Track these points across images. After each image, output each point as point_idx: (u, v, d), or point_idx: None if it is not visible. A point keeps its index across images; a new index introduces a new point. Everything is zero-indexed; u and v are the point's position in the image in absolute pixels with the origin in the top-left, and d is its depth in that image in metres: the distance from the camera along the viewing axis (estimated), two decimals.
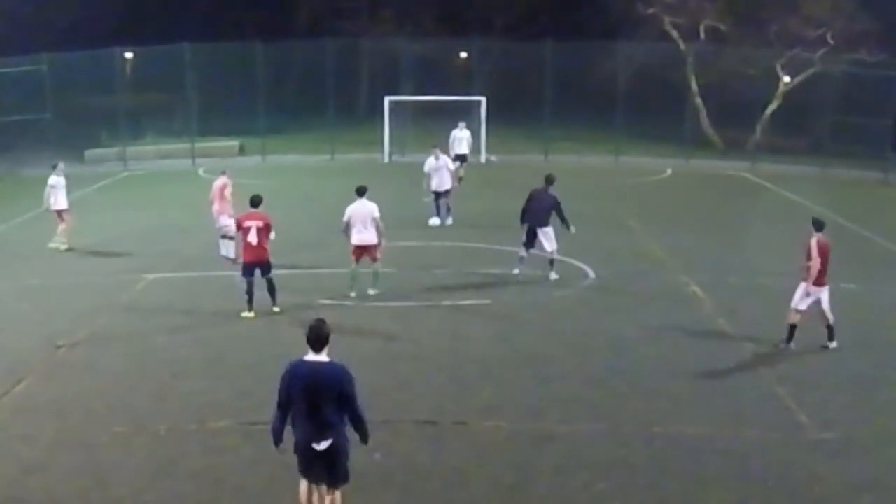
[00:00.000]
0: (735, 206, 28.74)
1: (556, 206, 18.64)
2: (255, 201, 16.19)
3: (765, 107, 40.34)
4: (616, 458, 10.90)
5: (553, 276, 18.72)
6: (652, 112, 38.30)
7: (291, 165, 37.14)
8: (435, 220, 23.58)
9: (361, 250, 16.75)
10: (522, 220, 18.73)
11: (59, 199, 21.76)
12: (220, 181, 20.91)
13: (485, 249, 21.35)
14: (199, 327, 15.68)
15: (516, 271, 18.80)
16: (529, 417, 12.03)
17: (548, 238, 18.68)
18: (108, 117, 38.19)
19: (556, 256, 18.76)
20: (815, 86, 38.86)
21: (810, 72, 39.36)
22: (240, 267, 16.48)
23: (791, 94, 40.22)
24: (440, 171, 23.75)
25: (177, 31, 37.93)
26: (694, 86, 41.78)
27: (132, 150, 37.76)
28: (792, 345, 14.64)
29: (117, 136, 38.11)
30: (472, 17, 47.24)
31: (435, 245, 21.64)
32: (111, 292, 17.65)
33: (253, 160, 37.88)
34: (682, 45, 41.95)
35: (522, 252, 18.79)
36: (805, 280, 14.59)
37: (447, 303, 17.07)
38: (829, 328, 14.68)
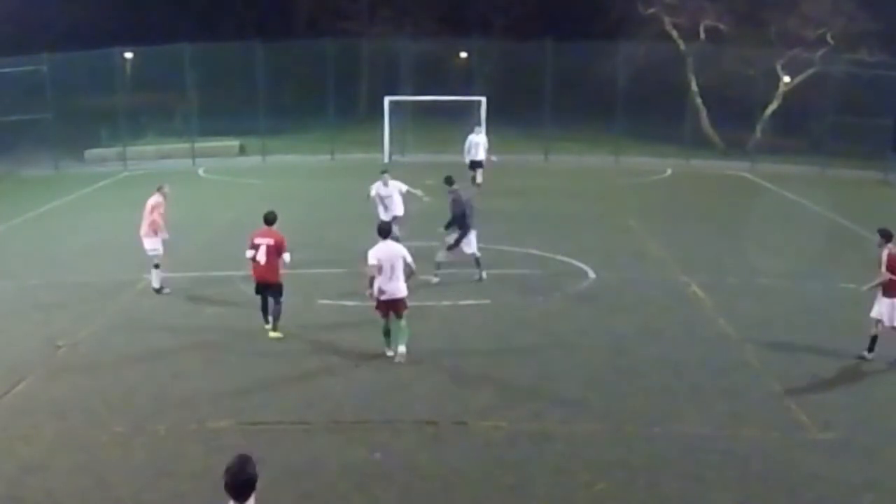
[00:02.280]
0: (735, 206, 28.73)
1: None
2: (270, 219, 14.99)
3: (765, 107, 40.33)
4: (616, 458, 10.90)
5: (484, 275, 18.40)
6: (652, 112, 38.27)
7: (291, 165, 37.15)
8: None
9: (388, 306, 13.79)
10: (469, 227, 18.08)
11: None
12: (153, 199, 17.66)
13: (485, 249, 21.33)
14: (199, 327, 15.68)
15: (435, 280, 18.12)
16: (529, 417, 12.03)
17: (474, 240, 18.26)
18: (108, 117, 38.19)
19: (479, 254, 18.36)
20: (815, 86, 38.86)
21: (810, 72, 39.34)
22: (162, 294, 17.03)
23: (791, 94, 40.20)
24: (389, 198, 20.39)
25: (177, 31, 37.97)
26: (694, 86, 41.77)
27: (132, 150, 37.77)
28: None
29: (117, 136, 38.11)
30: (472, 17, 47.25)
31: (435, 245, 21.62)
32: (111, 292, 17.64)
33: (253, 160, 37.91)
34: (682, 45, 41.94)
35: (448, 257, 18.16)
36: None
37: (447, 303, 17.07)
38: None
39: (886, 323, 14.22)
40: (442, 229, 18.35)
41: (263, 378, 13.24)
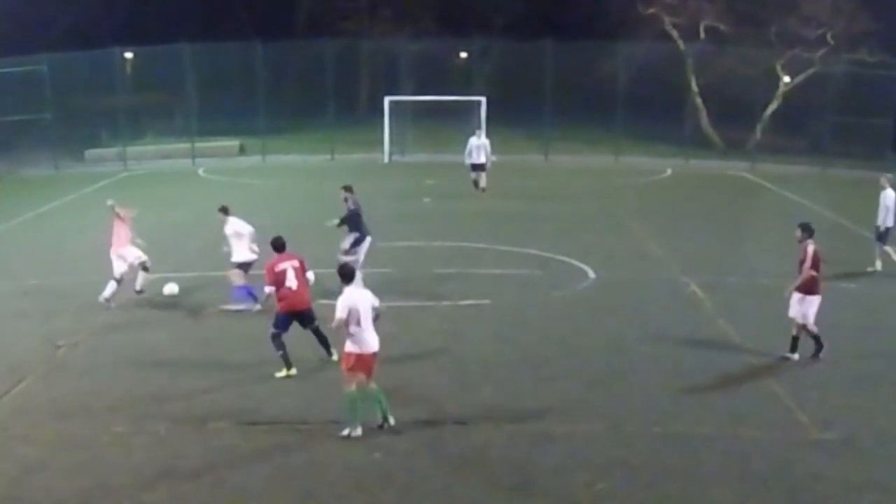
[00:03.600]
0: (735, 206, 28.73)
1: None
2: (280, 244, 13.78)
3: (765, 107, 40.33)
4: (616, 458, 10.90)
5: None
6: (652, 112, 38.30)
7: (291, 165, 37.14)
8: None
9: (366, 364, 11.51)
10: (365, 234, 17.86)
11: None
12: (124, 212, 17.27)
13: (485, 249, 21.36)
14: (199, 327, 15.69)
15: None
16: (529, 417, 12.03)
17: (365, 248, 17.83)
18: (108, 117, 38.21)
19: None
20: (815, 86, 38.85)
21: (810, 72, 39.35)
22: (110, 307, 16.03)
23: (791, 94, 40.21)
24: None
25: (177, 31, 37.95)
26: (694, 86, 41.78)
27: (132, 150, 37.77)
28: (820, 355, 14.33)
29: (117, 136, 38.11)
30: (472, 17, 47.22)
31: (435, 245, 21.63)
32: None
33: (253, 160, 37.89)
34: (682, 45, 41.94)
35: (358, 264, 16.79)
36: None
37: (447, 303, 17.07)
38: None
39: (800, 320, 14.18)
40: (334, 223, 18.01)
41: (263, 378, 13.23)
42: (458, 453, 11.02)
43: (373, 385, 11.49)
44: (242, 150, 39.83)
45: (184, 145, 38.26)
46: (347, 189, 18.14)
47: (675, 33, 42.25)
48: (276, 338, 13.31)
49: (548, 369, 13.79)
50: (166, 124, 40.81)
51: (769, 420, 12.05)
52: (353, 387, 11.35)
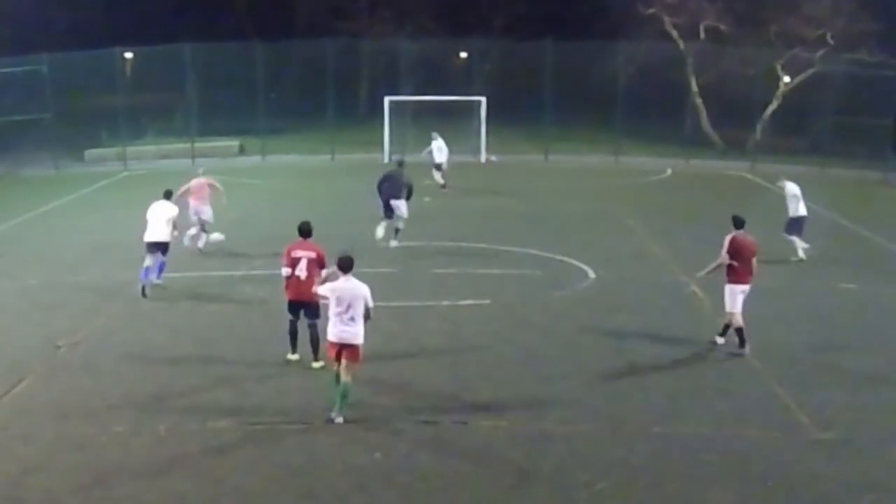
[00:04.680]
0: (735, 207, 28.58)
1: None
2: (306, 230, 13.80)
3: (765, 107, 40.35)
4: (616, 458, 10.90)
5: (394, 243, 20.82)
6: (652, 112, 38.31)
7: (291, 165, 37.15)
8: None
9: (341, 350, 11.75)
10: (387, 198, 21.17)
11: None
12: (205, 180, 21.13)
13: (485, 249, 21.36)
14: (199, 327, 15.68)
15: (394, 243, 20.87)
16: (529, 417, 12.03)
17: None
18: (108, 117, 38.22)
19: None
20: (815, 86, 38.88)
21: (810, 72, 39.37)
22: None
23: (791, 94, 40.23)
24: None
25: (177, 31, 37.99)
26: (694, 86, 41.80)
27: (132, 150, 37.78)
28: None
29: (117, 136, 38.12)
30: (472, 17, 47.26)
31: (435, 245, 21.63)
32: (111, 292, 17.64)
33: (253, 160, 37.90)
34: (682, 45, 41.96)
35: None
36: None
37: (447, 303, 17.06)
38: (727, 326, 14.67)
39: (727, 308, 14.46)
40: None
41: (263, 378, 13.23)
42: (459, 453, 11.02)
43: (345, 377, 11.62)
44: (242, 150, 39.83)
45: (184, 145, 38.27)
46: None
47: (675, 33, 42.28)
48: (290, 323, 13.72)
49: (548, 369, 13.78)
50: (166, 124, 40.83)
51: (769, 420, 12.04)
52: (334, 366, 11.76)
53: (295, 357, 13.73)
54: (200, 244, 20.50)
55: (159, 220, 17.67)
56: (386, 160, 37.21)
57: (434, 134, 31.54)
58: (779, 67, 40.05)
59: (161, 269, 17.75)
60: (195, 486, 10.14)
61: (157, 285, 17.54)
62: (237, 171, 34.67)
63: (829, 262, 20.66)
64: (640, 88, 38.49)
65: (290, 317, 13.71)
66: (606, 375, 13.58)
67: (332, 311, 11.73)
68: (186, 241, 19.96)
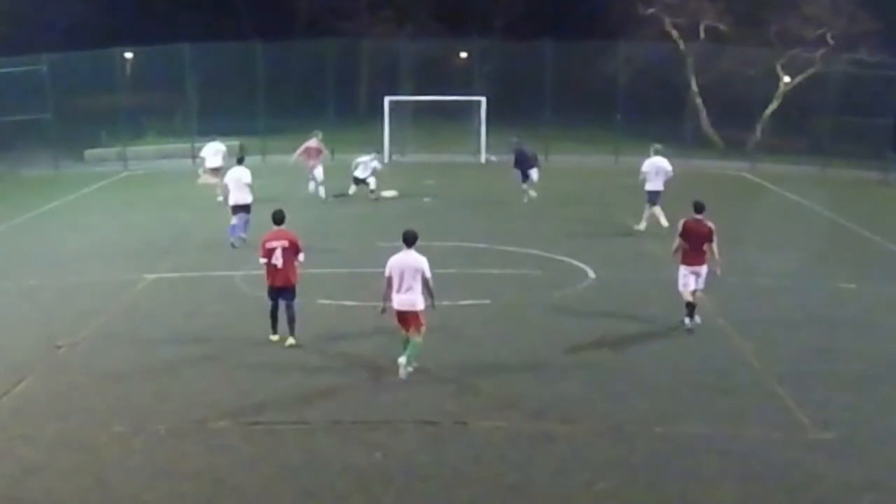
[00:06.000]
0: (735, 206, 28.68)
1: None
2: (279, 218, 14.73)
3: (765, 107, 40.32)
4: (616, 458, 10.90)
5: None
6: (652, 112, 38.24)
7: (291, 165, 37.07)
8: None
9: (403, 317, 13.34)
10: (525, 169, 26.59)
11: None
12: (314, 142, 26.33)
13: (485, 249, 21.36)
14: (199, 327, 15.68)
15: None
16: (529, 417, 12.03)
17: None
18: (108, 117, 38.16)
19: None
20: (815, 86, 38.85)
21: (810, 72, 39.34)
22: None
23: (791, 94, 40.20)
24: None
25: (177, 31, 37.95)
26: (694, 86, 41.77)
27: (132, 150, 37.74)
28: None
29: (117, 136, 38.07)
30: (472, 17, 47.26)
31: (435, 245, 21.59)
32: (111, 292, 17.64)
33: (253, 160, 37.78)
34: (682, 45, 41.94)
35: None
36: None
37: (447, 303, 17.02)
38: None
39: (680, 287, 15.32)
40: None
41: (263, 378, 13.24)
42: (458, 453, 11.02)
43: (415, 338, 13.20)
44: (242, 150, 39.73)
45: (184, 145, 38.22)
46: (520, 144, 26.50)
47: (675, 33, 42.24)
48: (272, 307, 14.65)
49: (548, 369, 13.79)
50: (166, 124, 40.79)
51: (769, 420, 12.05)
52: (401, 332, 13.33)
53: (275, 338, 14.56)
54: (322, 193, 26.18)
55: (239, 185, 20.87)
56: (386, 160, 37.22)
57: (376, 154, 29.26)
58: (779, 67, 40.03)
59: (245, 225, 20.62)
60: (195, 486, 10.15)
61: (241, 239, 20.34)
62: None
63: (829, 262, 20.66)
64: (640, 88, 38.46)
65: (270, 302, 14.60)
66: (606, 375, 13.59)
67: (394, 281, 13.15)
68: (319, 191, 26.12)
